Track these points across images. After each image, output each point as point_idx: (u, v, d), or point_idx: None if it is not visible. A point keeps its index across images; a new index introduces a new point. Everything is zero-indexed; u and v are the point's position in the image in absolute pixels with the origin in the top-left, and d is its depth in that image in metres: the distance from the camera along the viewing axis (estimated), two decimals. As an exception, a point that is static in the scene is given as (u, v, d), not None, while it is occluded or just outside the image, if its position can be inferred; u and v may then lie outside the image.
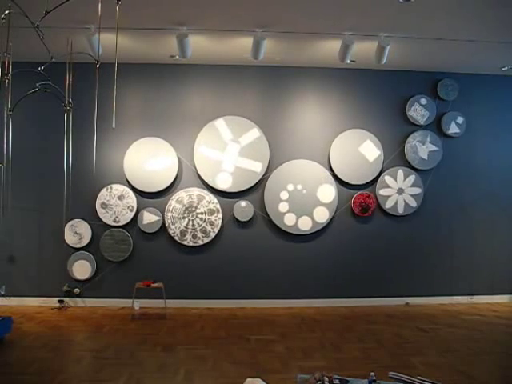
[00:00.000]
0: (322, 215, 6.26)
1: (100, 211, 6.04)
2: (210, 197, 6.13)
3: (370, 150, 6.38)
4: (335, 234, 6.38)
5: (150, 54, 5.89)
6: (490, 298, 6.58)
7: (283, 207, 6.22)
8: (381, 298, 6.39)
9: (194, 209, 6.10)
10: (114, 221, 6.04)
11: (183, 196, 6.12)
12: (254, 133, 6.23)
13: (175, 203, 6.08)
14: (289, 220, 6.23)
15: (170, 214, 6.08)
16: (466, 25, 4.90)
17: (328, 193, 6.28)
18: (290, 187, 6.25)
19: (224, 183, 6.18)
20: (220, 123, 6.20)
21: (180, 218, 6.09)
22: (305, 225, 6.25)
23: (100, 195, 6.04)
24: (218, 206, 6.13)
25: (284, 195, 6.24)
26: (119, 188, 6.07)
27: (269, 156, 6.24)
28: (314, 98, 6.45)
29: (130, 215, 6.05)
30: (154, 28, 5.01)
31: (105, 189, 6.05)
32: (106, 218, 6.04)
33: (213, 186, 6.16)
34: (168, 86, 6.27)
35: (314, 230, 6.27)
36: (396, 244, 6.47)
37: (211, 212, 6.09)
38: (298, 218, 6.23)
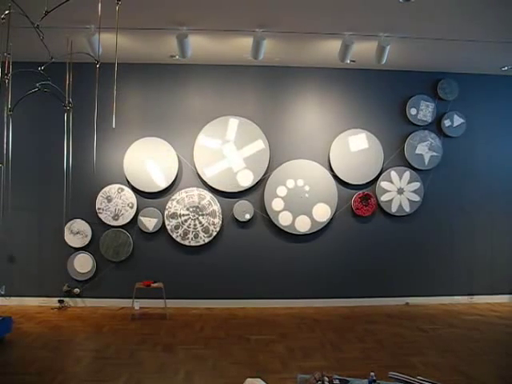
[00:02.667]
0: (305, 225, 6.24)
1: (116, 222, 6.06)
2: (218, 220, 6.11)
3: (359, 142, 6.35)
4: (335, 233, 6.38)
5: (150, 54, 5.89)
6: (490, 297, 6.58)
7: (280, 194, 6.24)
8: (381, 297, 6.39)
9: (200, 213, 6.09)
10: (130, 206, 6.04)
11: (206, 196, 6.11)
12: (233, 122, 6.21)
13: (196, 195, 6.09)
14: (276, 205, 6.22)
15: (183, 195, 6.09)
16: (466, 25, 4.89)
17: (323, 213, 6.28)
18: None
19: (247, 180, 6.18)
20: (202, 138, 6.17)
21: (184, 207, 6.08)
22: (285, 219, 6.22)
23: (105, 218, 6.04)
24: (215, 232, 6.11)
25: (285, 188, 6.25)
26: (101, 201, 6.04)
27: (269, 155, 6.25)
28: (313, 98, 6.45)
29: (129, 193, 6.05)
30: (154, 28, 5.01)
31: (98, 212, 6.03)
32: (125, 218, 6.06)
33: (241, 189, 6.16)
34: (168, 86, 6.27)
35: (292, 231, 6.24)
36: (396, 244, 6.47)
37: (206, 230, 6.08)
38: (283, 210, 6.22)
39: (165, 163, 6.11)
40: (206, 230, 6.10)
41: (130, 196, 6.07)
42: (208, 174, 6.15)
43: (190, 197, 6.10)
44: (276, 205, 6.22)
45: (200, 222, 6.10)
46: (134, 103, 6.26)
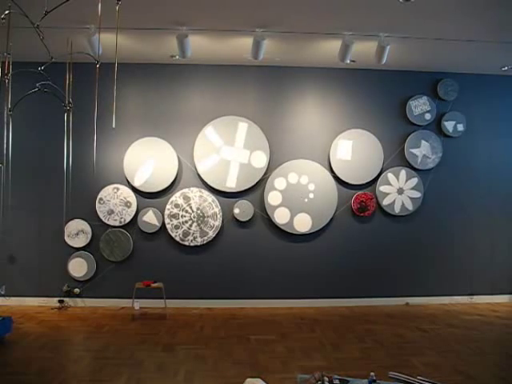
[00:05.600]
0: (283, 215, 6.23)
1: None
2: (200, 239, 6.09)
3: (344, 149, 6.35)
4: (335, 233, 6.38)
5: (150, 54, 5.89)
6: (490, 298, 6.58)
7: (292, 180, 6.28)
8: (381, 298, 6.39)
9: (202, 219, 6.08)
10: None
11: (217, 218, 6.08)
12: (210, 130, 6.20)
13: (207, 200, 6.08)
14: (279, 184, 6.24)
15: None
16: (466, 25, 4.90)
17: (305, 223, 6.27)
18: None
19: (260, 160, 6.20)
20: (201, 164, 6.16)
21: (196, 204, 6.07)
22: (274, 200, 6.21)
23: (127, 214, 6.07)
24: (187, 242, 6.09)
25: (296, 175, 6.29)
26: (112, 218, 6.05)
27: (269, 156, 6.25)
28: (313, 98, 6.45)
29: (112, 187, 6.06)
30: (154, 28, 5.01)
31: (120, 222, 6.06)
32: (133, 201, 6.07)
33: (261, 172, 6.19)
34: (168, 86, 6.27)
35: (271, 218, 6.21)
36: (396, 244, 6.47)
37: (186, 233, 6.06)
38: (276, 191, 6.25)
39: (165, 163, 6.11)
40: (185, 234, 6.08)
41: (115, 186, 6.07)
42: (231, 185, 6.17)
43: (210, 206, 6.09)
44: (279, 184, 6.23)
45: (190, 226, 6.10)
46: (134, 103, 6.26)
